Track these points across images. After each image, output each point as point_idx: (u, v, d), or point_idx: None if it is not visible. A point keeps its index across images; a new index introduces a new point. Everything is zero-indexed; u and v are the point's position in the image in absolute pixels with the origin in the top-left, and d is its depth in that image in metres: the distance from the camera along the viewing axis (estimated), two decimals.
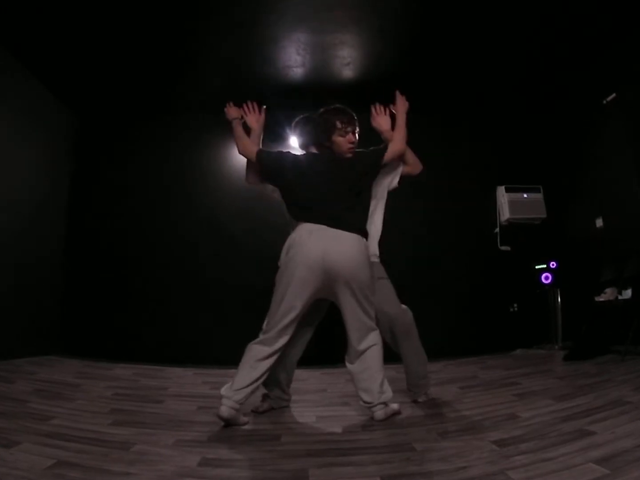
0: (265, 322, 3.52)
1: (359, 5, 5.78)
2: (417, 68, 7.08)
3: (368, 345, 3.60)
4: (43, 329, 7.12)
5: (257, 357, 3.41)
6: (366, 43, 6.59)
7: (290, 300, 3.44)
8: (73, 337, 7.46)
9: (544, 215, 7.83)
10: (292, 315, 3.46)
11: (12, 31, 5.99)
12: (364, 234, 3.71)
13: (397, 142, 3.97)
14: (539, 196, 7.86)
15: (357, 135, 3.98)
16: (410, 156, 4.15)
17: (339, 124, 3.90)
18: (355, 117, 4.02)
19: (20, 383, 4.73)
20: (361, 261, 3.56)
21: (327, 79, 7.30)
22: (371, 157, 3.90)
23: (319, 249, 3.42)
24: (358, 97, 7.54)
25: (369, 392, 3.53)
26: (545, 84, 7.49)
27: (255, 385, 3.40)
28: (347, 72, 7.19)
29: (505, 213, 7.78)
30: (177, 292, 7.49)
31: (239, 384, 3.32)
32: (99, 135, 8.28)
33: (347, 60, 6.89)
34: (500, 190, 7.92)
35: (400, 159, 4.09)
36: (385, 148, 3.92)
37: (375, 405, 3.49)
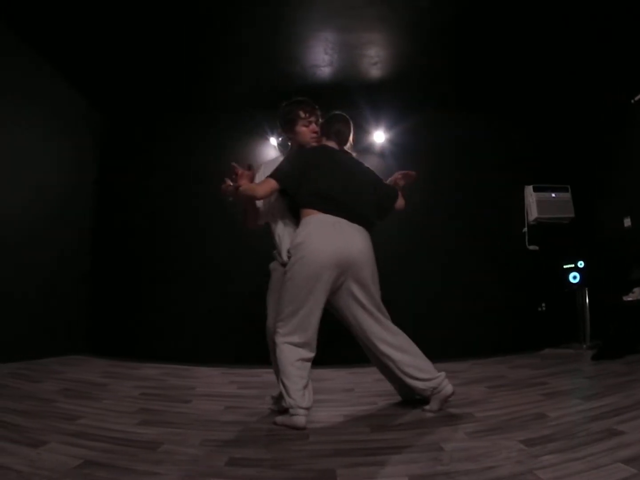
0: (292, 323, 3.47)
1: (387, 2, 5.74)
2: (445, 67, 7.05)
3: (398, 330, 3.71)
4: (70, 328, 7.19)
5: (297, 358, 3.43)
6: (394, 42, 6.57)
7: (317, 296, 3.47)
8: (100, 337, 7.53)
9: (572, 215, 7.76)
10: (319, 310, 3.53)
11: (39, 30, 6.07)
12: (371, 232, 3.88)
13: (404, 202, 4.27)
14: (567, 196, 7.80)
15: (320, 118, 4.14)
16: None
17: (302, 114, 4.03)
18: (317, 109, 4.14)
19: (48, 382, 4.78)
20: (372, 257, 3.76)
21: (355, 79, 7.27)
22: (389, 190, 4.20)
23: (341, 243, 3.53)
24: (385, 97, 7.60)
25: (422, 369, 3.57)
26: (573, 83, 7.43)
27: (309, 384, 3.44)
28: (375, 71, 7.16)
29: (533, 212, 7.73)
30: (205, 291, 7.50)
31: (295, 389, 3.33)
32: (125, 133, 8.34)
33: (375, 60, 6.86)
34: (529, 189, 7.87)
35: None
36: (397, 195, 4.22)
37: (443, 380, 3.56)
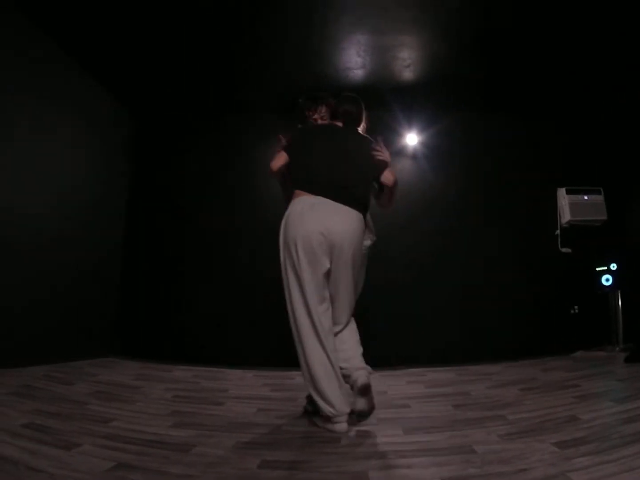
0: (301, 313, 3.46)
1: (419, 4, 5.72)
2: (477, 68, 7.01)
3: (347, 320, 3.70)
4: (102, 330, 7.25)
5: (324, 359, 3.38)
6: (427, 44, 6.52)
7: (301, 279, 3.49)
8: (132, 339, 7.57)
9: (604, 217, 7.68)
10: (314, 295, 3.49)
11: (68, 30, 6.12)
12: (364, 212, 3.78)
13: (394, 175, 3.82)
14: (599, 198, 7.74)
15: (325, 113, 4.27)
16: (393, 195, 3.96)
17: (306, 113, 4.27)
18: (321, 100, 4.30)
19: (80, 385, 4.82)
20: (357, 239, 3.62)
21: (387, 81, 7.26)
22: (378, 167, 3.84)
23: (317, 223, 3.47)
24: (418, 99, 7.60)
25: (349, 360, 3.50)
26: (605, 84, 7.36)
27: (343, 386, 3.42)
28: (408, 73, 7.14)
29: (566, 215, 7.68)
30: (237, 293, 7.52)
31: (330, 393, 3.30)
32: (157, 134, 8.40)
33: (408, 62, 6.85)
34: (561, 192, 7.82)
35: (388, 189, 3.87)
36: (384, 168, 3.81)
37: (359, 370, 3.45)
